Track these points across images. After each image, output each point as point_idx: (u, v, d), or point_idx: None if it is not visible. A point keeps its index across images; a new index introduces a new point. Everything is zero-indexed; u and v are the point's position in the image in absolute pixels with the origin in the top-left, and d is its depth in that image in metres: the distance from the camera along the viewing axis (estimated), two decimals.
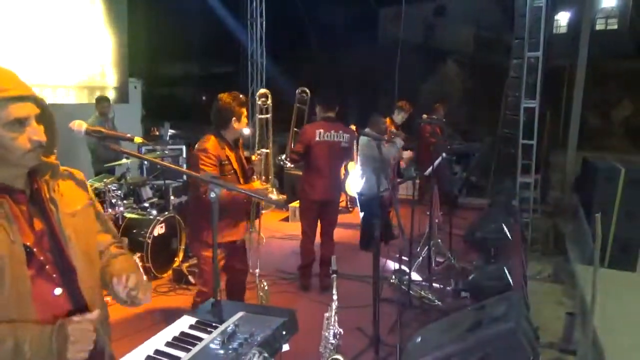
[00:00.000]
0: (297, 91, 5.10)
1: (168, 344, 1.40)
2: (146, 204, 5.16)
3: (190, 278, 4.60)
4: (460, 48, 16.06)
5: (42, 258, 1.34)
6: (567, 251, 5.54)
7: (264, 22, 9.46)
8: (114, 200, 4.66)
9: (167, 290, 4.58)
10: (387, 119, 6.28)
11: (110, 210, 4.61)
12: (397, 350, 3.16)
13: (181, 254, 5.01)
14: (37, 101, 1.35)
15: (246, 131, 7.77)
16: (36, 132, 1.32)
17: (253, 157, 3.35)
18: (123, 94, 7.54)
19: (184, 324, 1.52)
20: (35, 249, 1.33)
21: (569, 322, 3.43)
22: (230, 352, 1.33)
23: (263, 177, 3.39)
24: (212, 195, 1.67)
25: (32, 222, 1.36)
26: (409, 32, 13.22)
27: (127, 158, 4.93)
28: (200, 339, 1.42)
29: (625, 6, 17.25)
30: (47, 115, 1.40)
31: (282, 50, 10.52)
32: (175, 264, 4.90)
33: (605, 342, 3.37)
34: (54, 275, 1.36)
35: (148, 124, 8.34)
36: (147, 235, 4.60)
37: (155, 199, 5.32)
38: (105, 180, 4.62)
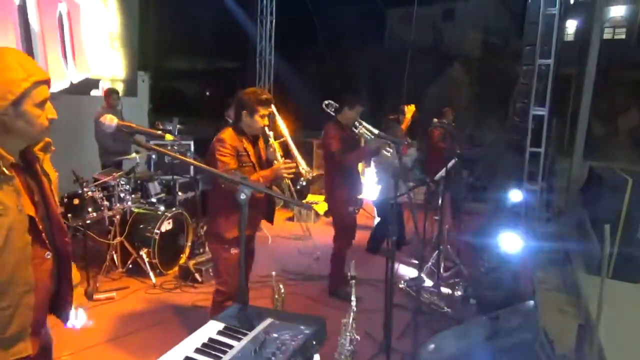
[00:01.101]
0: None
1: (197, 351, 1.36)
2: (154, 199, 5.12)
3: (197, 276, 4.56)
4: (467, 52, 16.02)
5: (40, 227, 1.52)
6: (571, 260, 5.51)
7: (274, 20, 9.42)
8: (122, 195, 4.62)
9: (172, 287, 4.54)
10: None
11: (118, 204, 4.57)
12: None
13: (187, 251, 4.98)
14: (49, 84, 1.53)
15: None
16: (52, 111, 1.52)
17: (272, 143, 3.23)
18: (131, 87, 7.50)
19: (211, 329, 1.48)
20: (36, 219, 1.50)
21: (581, 334, 3.40)
22: None
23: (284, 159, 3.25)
24: (242, 196, 1.63)
25: (32, 193, 1.53)
26: (417, 35, 13.18)
27: (137, 152, 4.89)
28: (230, 346, 1.38)
29: (634, 16, 17.22)
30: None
31: (289, 48, 10.47)
32: (182, 261, 4.87)
33: (609, 353, 3.33)
34: (47, 241, 1.54)
35: (153, 118, 8.29)
36: (155, 230, 4.57)
37: (163, 195, 5.28)
38: (114, 174, 4.58)
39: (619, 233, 4.79)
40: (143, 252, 4.57)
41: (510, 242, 4.94)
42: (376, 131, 3.96)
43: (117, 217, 4.56)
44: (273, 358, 1.30)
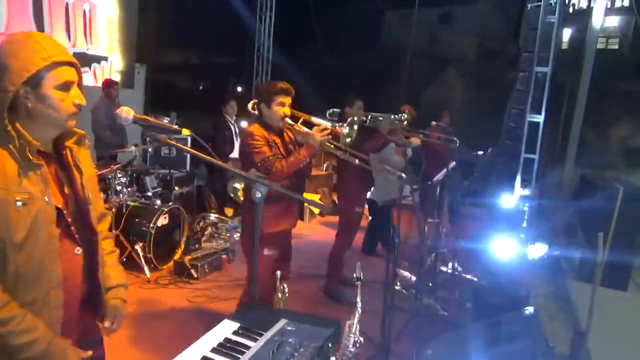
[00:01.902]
0: None
1: (214, 350, 1.34)
2: (150, 193, 5.07)
3: (193, 272, 4.53)
4: (463, 56, 16.12)
5: (69, 220, 1.47)
6: (562, 267, 5.57)
7: (274, 17, 9.39)
8: (118, 188, 4.57)
9: (167, 282, 4.50)
10: None
11: (114, 197, 4.52)
12: None
13: (183, 246, 4.95)
14: (78, 69, 1.48)
15: (243, 124, 7.52)
16: (79, 96, 1.46)
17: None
18: (128, 79, 7.43)
19: (226, 329, 1.46)
20: (64, 211, 1.45)
21: (578, 340, 3.43)
22: None
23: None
24: (258, 195, 1.61)
25: (63, 186, 1.49)
26: (413, 37, 13.23)
27: (136, 145, 4.84)
28: (246, 347, 1.36)
29: (627, 27, 17.44)
30: (80, 83, 1.50)
31: (288, 46, 10.47)
32: (177, 256, 4.83)
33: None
34: (77, 236, 1.49)
35: (149, 111, 8.21)
36: (150, 225, 4.52)
37: (159, 189, 5.23)
38: (112, 166, 4.53)
39: (609, 241, 4.85)
40: (138, 247, 4.52)
41: (506, 247, 4.98)
42: (381, 117, 3.94)
43: (113, 210, 4.51)
44: (292, 359, 1.29)
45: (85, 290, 1.55)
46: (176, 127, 1.64)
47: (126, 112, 1.58)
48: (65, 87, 1.42)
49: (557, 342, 3.88)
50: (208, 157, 1.69)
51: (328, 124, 2.98)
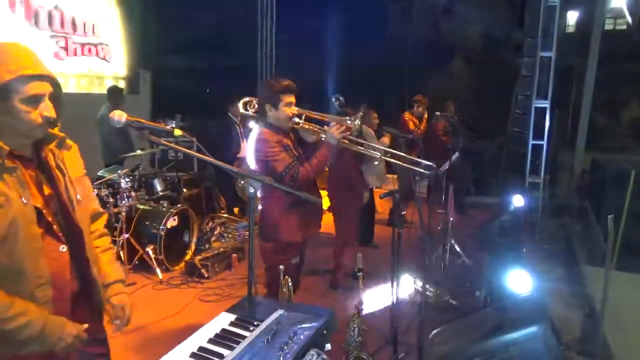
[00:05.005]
0: None
1: (211, 341, 1.39)
2: (158, 196, 5.13)
3: (204, 272, 4.59)
4: (468, 45, 15.94)
5: (50, 219, 1.50)
6: (575, 252, 5.53)
7: (275, 15, 9.41)
8: (127, 192, 4.64)
9: (179, 283, 4.57)
10: (407, 113, 6.35)
11: (123, 201, 4.59)
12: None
13: (193, 247, 5.01)
14: (52, 80, 1.50)
15: (252, 124, 7.56)
16: (48, 109, 1.47)
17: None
18: (133, 85, 7.54)
19: (223, 321, 1.50)
20: (44, 211, 1.49)
21: (588, 324, 3.42)
22: (276, 350, 1.31)
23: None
24: (251, 190, 1.65)
25: (42, 187, 1.52)
26: (416, 28, 13.15)
27: (142, 149, 4.91)
28: (242, 337, 1.40)
29: (635, 6, 17.11)
30: (58, 93, 1.54)
31: (291, 43, 10.47)
32: (188, 257, 4.90)
33: (613, 344, 3.35)
34: (60, 235, 1.53)
35: (156, 116, 8.28)
36: (160, 227, 4.59)
37: (167, 191, 5.29)
38: (119, 171, 4.60)
39: (622, 224, 4.80)
40: (149, 249, 4.60)
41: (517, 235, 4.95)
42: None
43: (123, 214, 4.58)
44: (286, 347, 1.32)
45: (76, 287, 1.60)
46: (169, 127, 1.68)
47: (118, 115, 1.62)
48: (33, 100, 1.43)
49: (571, 327, 3.88)
50: (199, 155, 1.72)
51: (347, 120, 2.84)
